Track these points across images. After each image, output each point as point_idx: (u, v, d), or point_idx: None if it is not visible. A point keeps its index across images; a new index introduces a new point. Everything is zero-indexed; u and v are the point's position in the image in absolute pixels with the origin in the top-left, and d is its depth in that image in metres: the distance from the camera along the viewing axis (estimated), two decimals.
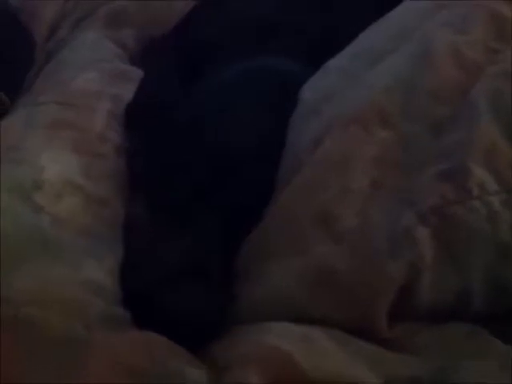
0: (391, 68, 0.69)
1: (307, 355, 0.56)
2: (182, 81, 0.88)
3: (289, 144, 0.70)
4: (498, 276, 0.59)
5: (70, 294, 0.59)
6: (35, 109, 0.78)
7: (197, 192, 0.69)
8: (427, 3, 0.74)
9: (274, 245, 0.63)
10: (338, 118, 0.67)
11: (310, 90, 0.74)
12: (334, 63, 0.76)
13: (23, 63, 0.95)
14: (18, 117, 0.79)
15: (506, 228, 0.59)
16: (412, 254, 0.59)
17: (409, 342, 0.59)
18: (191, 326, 0.60)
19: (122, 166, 0.74)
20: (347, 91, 0.70)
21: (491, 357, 0.57)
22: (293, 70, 0.80)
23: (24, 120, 0.76)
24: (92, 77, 0.86)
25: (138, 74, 0.92)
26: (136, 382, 0.55)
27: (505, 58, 0.66)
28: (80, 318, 0.57)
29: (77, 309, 0.58)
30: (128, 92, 0.85)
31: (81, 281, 0.60)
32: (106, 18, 1.06)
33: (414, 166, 0.62)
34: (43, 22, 1.04)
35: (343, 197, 0.62)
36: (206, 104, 0.78)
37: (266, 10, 0.92)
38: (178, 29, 0.98)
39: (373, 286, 0.58)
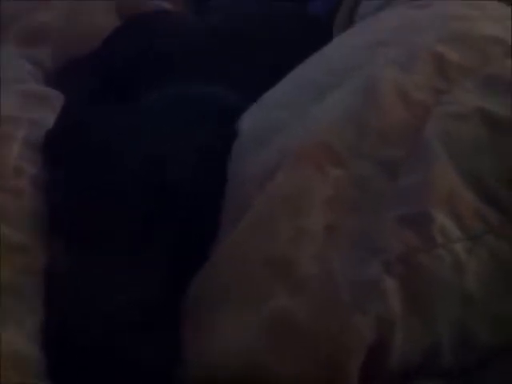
0: (338, 104, 0.63)
1: None
2: (103, 104, 0.79)
3: (233, 175, 0.63)
4: (464, 329, 0.54)
5: None
6: None
7: (132, 224, 0.59)
8: (366, 40, 0.70)
9: (225, 292, 0.55)
10: (289, 152, 0.61)
11: (251, 121, 0.68)
12: (273, 95, 0.69)
13: None
14: None
15: (472, 277, 0.54)
16: (381, 308, 0.52)
17: None
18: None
19: (40, 202, 0.61)
20: (296, 124, 0.64)
21: None
22: (227, 97, 0.74)
23: None
24: (7, 100, 0.73)
25: (55, 95, 0.80)
26: None
27: (450, 99, 0.62)
28: None
29: None
30: (45, 116, 0.73)
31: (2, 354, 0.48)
32: (20, 34, 0.93)
33: (370, 209, 0.56)
34: None
35: (299, 240, 0.55)
36: (137, 129, 0.69)
37: (192, 38, 0.86)
38: (100, 50, 0.88)
39: (343, 344, 0.51)
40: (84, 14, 0.95)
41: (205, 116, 0.70)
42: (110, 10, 0.97)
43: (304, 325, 0.51)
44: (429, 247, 0.53)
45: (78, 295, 0.55)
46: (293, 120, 0.64)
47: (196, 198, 0.62)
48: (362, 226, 0.55)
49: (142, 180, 0.63)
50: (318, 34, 0.88)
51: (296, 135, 0.62)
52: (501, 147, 0.57)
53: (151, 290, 0.56)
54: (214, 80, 0.76)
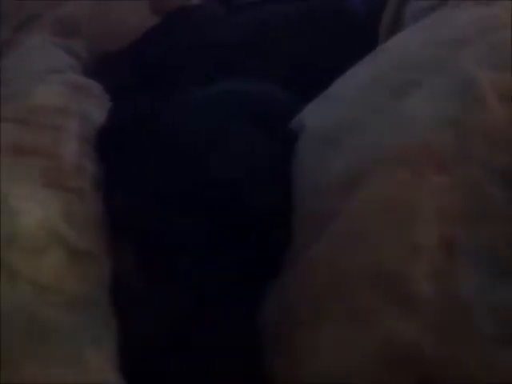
0: (429, 103, 0.56)
1: None
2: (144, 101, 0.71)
3: (301, 177, 0.57)
4: None
5: None
6: None
7: (208, 232, 0.53)
8: (442, 37, 0.64)
9: (321, 309, 0.48)
10: (376, 156, 0.54)
11: (317, 120, 0.61)
12: (338, 92, 0.63)
13: None
14: None
15: None
16: None
17: None
18: None
19: (100, 204, 0.54)
20: (377, 123, 0.57)
21: None
22: (279, 94, 0.68)
23: None
24: (51, 90, 0.65)
25: (97, 88, 0.72)
26: None
27: None
28: None
29: None
30: (93, 110, 0.66)
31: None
32: (56, 24, 0.87)
33: (490, 222, 0.49)
34: None
35: (410, 255, 0.48)
36: (195, 127, 0.62)
37: (232, 33, 0.81)
38: (137, 45, 0.82)
39: None
40: (115, 8, 0.89)
41: (261, 114, 0.64)
42: (142, 5, 0.91)
43: (429, 355, 0.44)
44: None
45: (156, 314, 0.48)
46: (371, 118, 0.57)
47: (260, 200, 0.56)
48: (483, 242, 0.48)
49: (205, 181, 0.57)
50: (353, 30, 0.83)
51: (384, 136, 0.55)
52: None
53: (223, 313, 0.50)
54: (259, 76, 0.70)
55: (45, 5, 0.87)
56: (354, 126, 0.57)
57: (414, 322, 0.45)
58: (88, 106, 0.66)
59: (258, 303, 0.52)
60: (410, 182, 0.50)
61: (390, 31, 0.78)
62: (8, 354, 0.40)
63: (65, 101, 0.64)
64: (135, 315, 0.48)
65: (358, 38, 0.76)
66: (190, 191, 0.55)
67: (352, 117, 0.58)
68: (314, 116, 0.61)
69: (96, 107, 0.67)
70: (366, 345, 0.45)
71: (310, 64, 0.76)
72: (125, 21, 0.87)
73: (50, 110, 0.62)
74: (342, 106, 0.61)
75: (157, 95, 0.73)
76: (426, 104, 0.56)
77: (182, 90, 0.72)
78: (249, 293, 0.52)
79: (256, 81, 0.70)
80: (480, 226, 0.48)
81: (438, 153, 0.52)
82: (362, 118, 0.58)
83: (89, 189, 0.54)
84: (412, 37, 0.68)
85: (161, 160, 0.58)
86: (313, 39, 0.80)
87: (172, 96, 0.71)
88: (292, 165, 0.59)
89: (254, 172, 0.58)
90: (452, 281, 0.46)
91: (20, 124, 0.58)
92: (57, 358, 0.41)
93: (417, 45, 0.65)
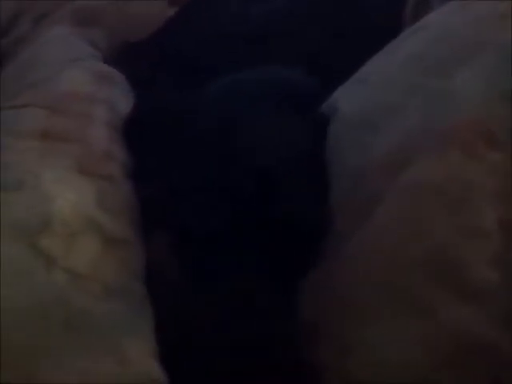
0: (480, 79, 0.53)
1: None
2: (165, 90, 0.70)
3: (337, 162, 0.54)
4: None
5: None
6: (11, 113, 0.54)
7: (241, 218, 0.50)
8: (483, 14, 0.60)
9: (366, 299, 0.46)
10: (423, 136, 0.51)
11: (350, 102, 0.58)
12: (373, 73, 0.60)
13: None
14: None
15: None
16: None
17: None
18: None
19: (131, 192, 0.51)
20: (417, 104, 0.54)
21: None
22: (300, 77, 0.65)
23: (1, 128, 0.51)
24: (77, 77, 0.63)
25: (120, 76, 0.70)
26: None
27: None
28: None
29: None
30: (119, 98, 0.64)
31: (129, 378, 0.37)
32: (74, 15, 0.85)
33: None
34: None
35: (468, 239, 0.45)
36: (224, 115, 0.60)
37: (244, 24, 0.78)
38: (152, 38, 0.80)
39: None
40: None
41: (289, 98, 0.61)
42: None
43: (493, 341, 0.41)
44: None
45: (189, 306, 0.45)
46: (413, 99, 0.54)
47: (294, 185, 0.53)
48: None
49: (236, 169, 0.54)
50: (371, 17, 0.80)
51: (429, 115, 0.52)
52: None
53: (270, 302, 0.48)
54: (284, 63, 0.68)
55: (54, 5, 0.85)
56: (392, 108, 0.55)
57: (481, 312, 0.42)
58: (113, 94, 0.64)
59: (291, 293, 0.49)
60: (461, 161, 0.47)
61: (415, 15, 0.75)
62: (44, 343, 0.38)
63: (91, 88, 0.62)
64: (168, 306, 0.46)
65: (376, 24, 0.73)
66: (220, 180, 0.52)
67: (389, 98, 0.56)
68: (347, 99, 0.58)
69: (121, 96, 0.65)
70: (428, 336, 0.43)
71: (327, 52, 0.73)
72: (142, 12, 0.86)
73: (77, 96, 0.59)
74: (377, 88, 0.58)
75: (177, 85, 0.71)
76: (473, 81, 0.53)
77: (201, 80, 0.70)
78: (282, 283, 0.49)
79: (279, 67, 0.68)
80: None
81: (487, 129, 0.49)
82: (401, 99, 0.55)
83: (119, 176, 0.52)
84: (448, 16, 0.65)
85: (189, 149, 0.55)
86: (328, 27, 0.77)
87: (192, 86, 0.69)
88: (325, 149, 0.57)
89: (288, 157, 0.55)
90: None
91: (49, 110, 0.56)
92: (94, 347, 0.39)
93: (456, 23, 0.61)
